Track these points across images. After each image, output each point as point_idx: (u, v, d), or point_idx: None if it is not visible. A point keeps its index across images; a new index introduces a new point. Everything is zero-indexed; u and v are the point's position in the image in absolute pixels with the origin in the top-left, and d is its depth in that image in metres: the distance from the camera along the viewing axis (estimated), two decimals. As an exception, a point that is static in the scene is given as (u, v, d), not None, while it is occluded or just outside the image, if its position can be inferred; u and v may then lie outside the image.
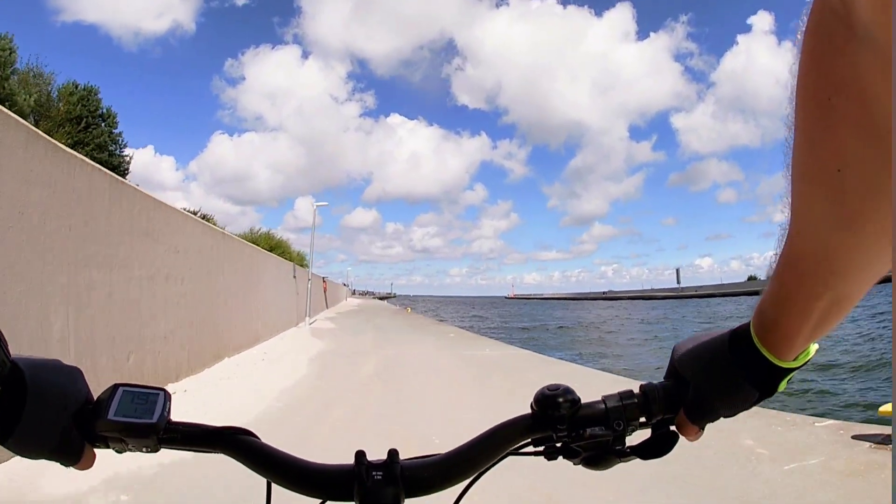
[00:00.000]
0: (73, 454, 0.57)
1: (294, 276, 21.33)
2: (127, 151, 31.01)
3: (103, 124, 29.37)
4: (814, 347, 0.54)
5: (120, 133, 30.64)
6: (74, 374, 0.59)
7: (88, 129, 27.26)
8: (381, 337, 16.92)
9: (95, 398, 0.59)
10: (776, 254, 0.50)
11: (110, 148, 29.69)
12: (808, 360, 0.55)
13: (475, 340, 16.55)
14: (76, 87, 27.31)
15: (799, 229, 0.46)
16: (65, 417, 0.55)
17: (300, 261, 31.77)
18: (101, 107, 29.11)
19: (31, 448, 0.53)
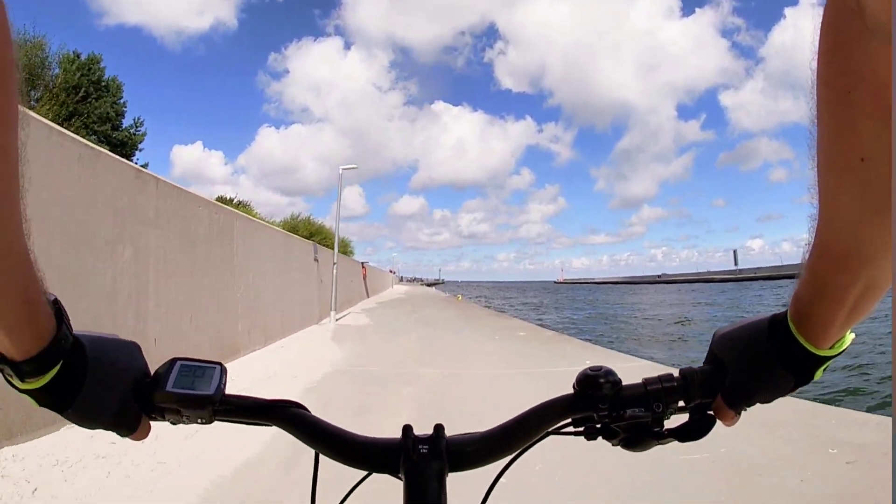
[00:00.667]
0: (130, 425, 0.59)
1: (315, 259, 16.11)
2: (133, 124, 27.87)
3: (106, 94, 26.05)
4: (850, 336, 0.54)
5: (124, 103, 27.13)
6: (132, 349, 0.61)
7: (87, 100, 24.16)
8: (427, 339, 11.79)
9: (153, 372, 0.61)
10: (808, 243, 0.50)
11: (115, 120, 26.46)
12: (844, 349, 0.55)
13: (559, 343, 11.23)
14: (77, 57, 24.33)
15: (828, 219, 0.46)
16: (122, 390, 0.57)
17: (344, 247, 28.06)
18: (104, 77, 25.86)
19: (90, 418, 0.56)
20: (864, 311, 0.50)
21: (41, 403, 0.52)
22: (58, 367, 0.51)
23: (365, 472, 0.63)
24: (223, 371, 0.63)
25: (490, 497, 0.67)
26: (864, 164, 0.40)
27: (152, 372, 0.61)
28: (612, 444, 0.62)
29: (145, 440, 0.62)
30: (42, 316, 0.48)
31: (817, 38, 0.40)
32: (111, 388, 0.56)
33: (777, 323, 0.57)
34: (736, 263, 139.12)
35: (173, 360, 0.62)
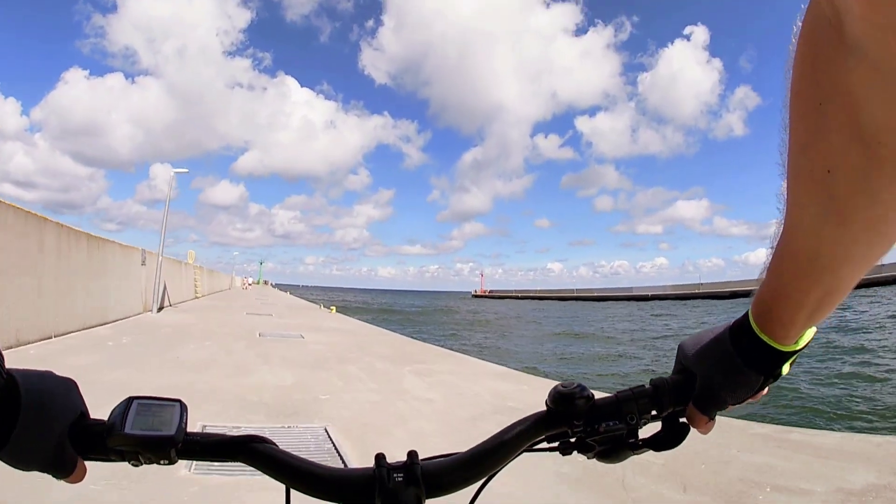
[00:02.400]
0: (66, 467, 0.57)
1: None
2: None
3: None
4: (812, 330, 0.55)
5: None
6: (69, 386, 0.58)
7: None
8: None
9: (110, 411, 0.58)
10: (772, 247, 0.51)
11: None
12: (807, 343, 0.56)
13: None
14: None
15: (793, 226, 0.48)
16: (58, 430, 0.55)
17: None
18: None
19: (23, 460, 0.53)
20: (824, 313, 0.52)
21: None
22: None
23: None
24: (184, 408, 0.59)
25: None
26: (831, 175, 0.40)
27: (108, 411, 0.58)
28: (588, 458, 0.62)
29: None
30: None
31: (793, 48, 0.40)
32: (46, 429, 0.53)
33: (739, 326, 0.58)
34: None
35: (130, 399, 0.58)
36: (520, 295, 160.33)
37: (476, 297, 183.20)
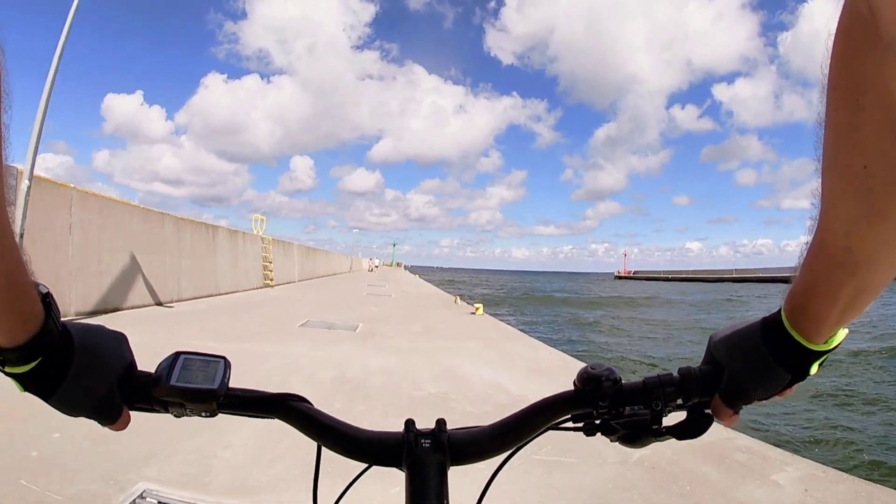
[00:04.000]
0: (112, 415, 0.58)
1: None
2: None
3: None
4: (843, 332, 0.54)
5: None
6: (119, 340, 0.60)
7: None
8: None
9: (157, 364, 0.60)
10: (806, 243, 0.51)
11: None
12: (838, 344, 0.55)
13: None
14: None
15: (827, 221, 0.47)
16: (106, 380, 0.56)
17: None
18: None
19: (71, 406, 0.55)
20: (858, 311, 0.51)
21: (25, 388, 0.52)
22: (41, 357, 0.51)
23: (366, 465, 0.63)
24: (227, 364, 0.61)
25: (489, 489, 0.66)
26: (867, 171, 0.40)
27: (156, 365, 0.60)
28: (611, 440, 0.62)
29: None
30: (29, 303, 0.48)
31: (831, 42, 0.39)
32: (95, 379, 0.55)
33: (770, 321, 0.57)
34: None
35: (177, 354, 0.60)
36: (668, 276, 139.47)
37: (619, 278, 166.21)
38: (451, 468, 0.60)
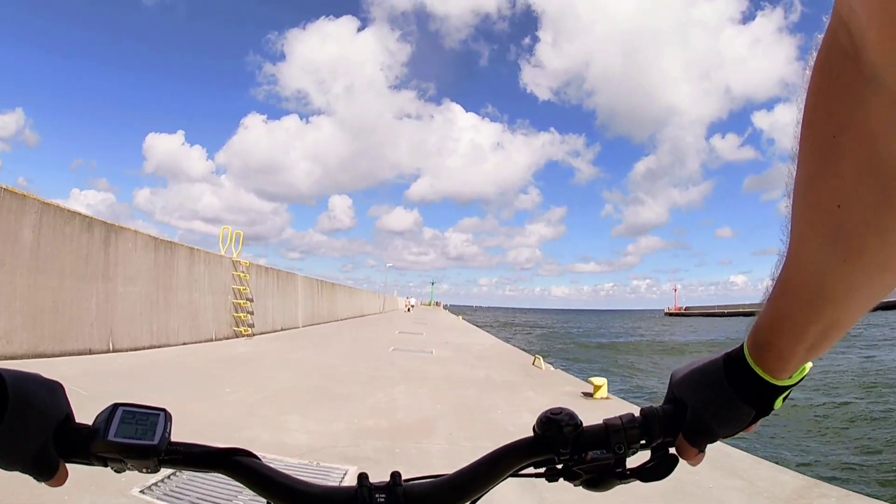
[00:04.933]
0: (48, 471, 0.55)
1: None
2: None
3: None
4: (808, 366, 0.53)
5: None
6: (55, 389, 0.56)
7: None
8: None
9: (95, 417, 0.56)
10: (773, 278, 0.50)
11: None
12: (802, 378, 0.54)
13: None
14: None
15: (796, 258, 0.46)
16: (42, 433, 0.53)
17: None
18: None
19: (6, 460, 0.51)
20: (824, 348, 0.50)
21: None
22: None
23: None
24: (168, 417, 0.58)
25: None
26: (840, 210, 0.39)
27: (93, 417, 0.57)
28: (574, 485, 0.60)
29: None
30: None
31: (807, 78, 0.38)
32: (30, 432, 0.52)
33: (733, 357, 0.56)
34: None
35: (115, 406, 0.57)
36: (723, 311, 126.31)
37: (670, 314, 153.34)
38: None
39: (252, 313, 14.91)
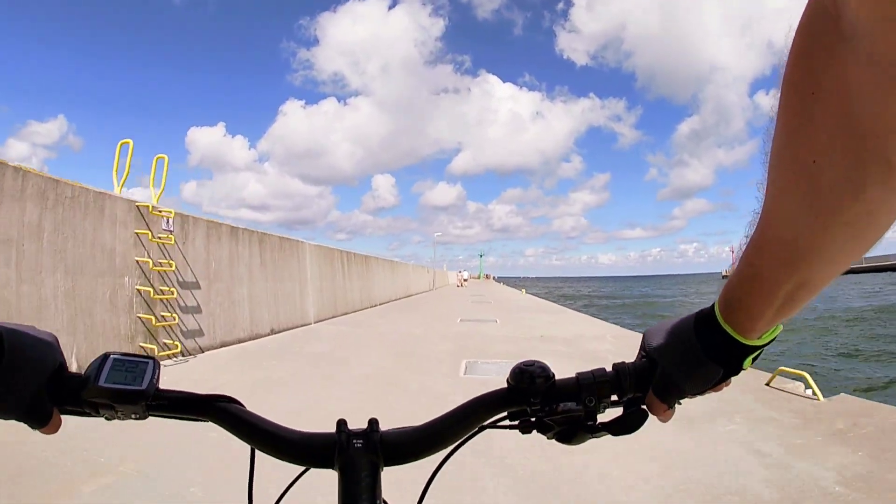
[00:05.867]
0: (42, 418, 0.57)
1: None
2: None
3: None
4: (778, 328, 0.54)
5: None
6: (49, 341, 0.58)
7: None
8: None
9: (87, 365, 0.59)
10: (746, 236, 0.50)
11: None
12: (772, 339, 0.55)
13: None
14: None
15: (771, 215, 0.46)
16: (35, 382, 0.55)
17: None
18: None
19: (1, 409, 0.54)
20: (795, 308, 0.50)
21: None
22: None
23: (302, 468, 0.63)
24: (156, 365, 0.60)
25: (428, 491, 0.66)
26: (816, 166, 0.39)
27: (85, 366, 0.58)
28: (547, 438, 0.61)
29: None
30: None
31: (791, 37, 0.39)
32: (24, 380, 0.54)
33: (703, 316, 0.57)
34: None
35: (105, 355, 0.59)
36: None
37: (727, 276, 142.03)
38: (386, 469, 0.60)
39: (191, 311, 7.85)
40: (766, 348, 0.56)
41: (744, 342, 0.53)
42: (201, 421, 0.62)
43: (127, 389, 0.57)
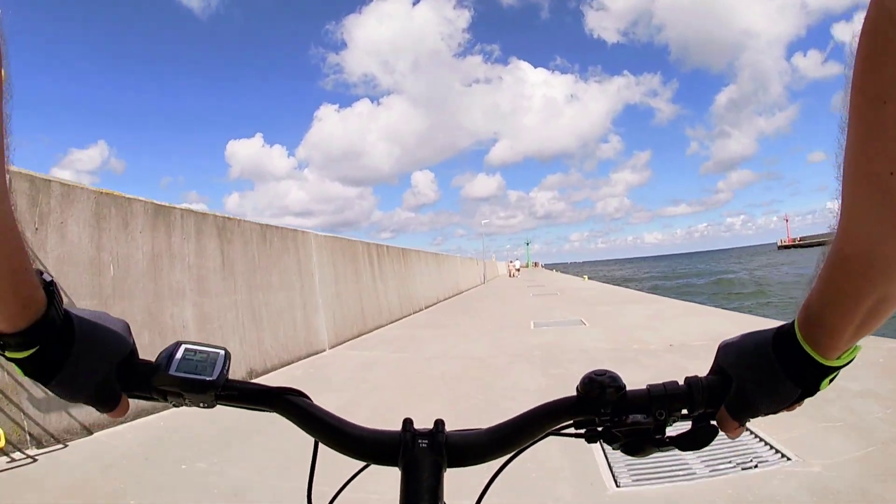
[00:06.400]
0: (110, 403, 0.59)
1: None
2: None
3: None
4: (859, 346, 0.52)
5: None
6: (121, 327, 0.60)
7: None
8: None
9: (158, 353, 0.60)
10: (823, 252, 0.49)
11: None
12: (851, 359, 0.53)
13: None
14: None
15: (848, 230, 0.45)
16: (105, 368, 0.56)
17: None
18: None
19: (70, 392, 0.55)
20: (876, 324, 0.48)
21: (25, 373, 0.52)
22: (40, 344, 0.51)
23: (364, 463, 0.63)
24: (227, 356, 0.61)
25: (487, 493, 0.66)
26: (893, 178, 0.38)
27: (157, 353, 0.60)
28: (612, 448, 0.60)
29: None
30: (29, 290, 0.48)
31: (856, 43, 0.38)
32: (94, 366, 0.55)
33: (783, 333, 0.55)
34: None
35: (178, 344, 0.61)
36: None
37: (784, 247, 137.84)
38: (451, 470, 0.59)
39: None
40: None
41: (823, 363, 0.51)
42: (268, 411, 0.62)
43: (196, 379, 0.58)
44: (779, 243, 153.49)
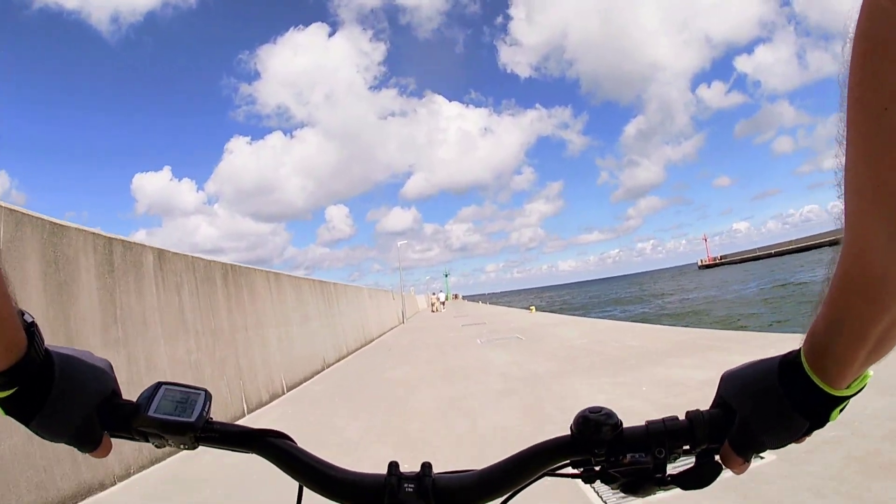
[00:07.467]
0: (91, 443, 0.56)
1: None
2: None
3: None
4: (869, 374, 0.49)
5: None
6: (103, 367, 0.58)
7: None
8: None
9: (139, 394, 0.58)
10: (828, 276, 0.46)
11: None
12: (862, 388, 0.50)
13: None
14: None
15: (855, 250, 0.42)
16: (85, 408, 0.54)
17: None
18: None
19: (50, 432, 0.53)
20: (887, 350, 0.46)
21: (7, 412, 0.51)
22: (19, 385, 0.49)
23: None
24: (208, 397, 0.59)
25: None
26: None
27: (137, 394, 0.58)
28: (611, 489, 0.57)
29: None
30: (10, 332, 0.47)
31: (849, 48, 0.35)
32: (74, 406, 0.54)
33: (789, 362, 0.51)
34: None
35: (158, 385, 0.58)
36: (770, 253, 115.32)
37: (705, 267, 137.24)
38: None
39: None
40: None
41: (832, 393, 0.48)
42: (249, 453, 0.60)
43: (176, 421, 0.56)
44: (699, 263, 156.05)
